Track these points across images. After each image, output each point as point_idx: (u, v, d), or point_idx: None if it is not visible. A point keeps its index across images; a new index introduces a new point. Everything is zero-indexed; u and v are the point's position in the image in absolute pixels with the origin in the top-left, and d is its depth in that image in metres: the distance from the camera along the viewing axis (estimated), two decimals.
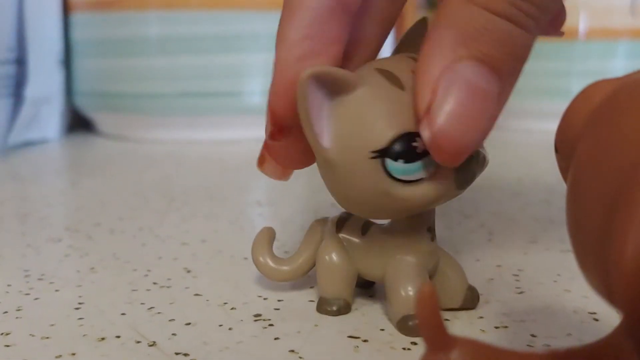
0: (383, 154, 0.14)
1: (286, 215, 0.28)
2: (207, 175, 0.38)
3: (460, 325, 0.16)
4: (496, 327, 0.16)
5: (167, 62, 0.49)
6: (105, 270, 0.21)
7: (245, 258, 0.22)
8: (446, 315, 0.17)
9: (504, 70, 0.14)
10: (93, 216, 0.28)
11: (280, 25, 0.16)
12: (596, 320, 0.16)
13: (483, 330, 0.16)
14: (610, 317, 0.16)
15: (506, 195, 0.31)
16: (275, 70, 0.16)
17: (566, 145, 0.12)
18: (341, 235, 0.17)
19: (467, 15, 0.13)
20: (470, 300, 0.17)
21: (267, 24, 0.50)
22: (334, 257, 0.17)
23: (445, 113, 0.14)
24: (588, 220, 0.10)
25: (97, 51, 0.52)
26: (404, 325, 0.16)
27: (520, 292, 0.18)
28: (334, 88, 0.15)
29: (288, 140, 0.16)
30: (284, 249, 0.23)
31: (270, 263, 0.18)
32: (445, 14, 0.14)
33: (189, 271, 0.20)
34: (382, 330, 0.16)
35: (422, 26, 0.18)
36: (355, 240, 0.17)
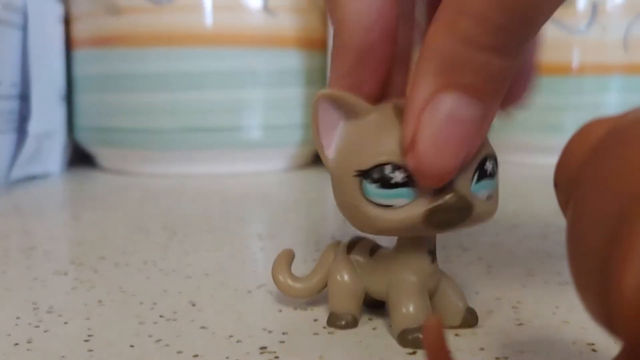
0: (363, 175, 0.16)
1: (287, 248, 0.28)
2: (207, 208, 0.38)
3: (461, 356, 0.17)
4: (497, 358, 0.16)
5: (168, 97, 0.50)
6: (113, 303, 0.21)
7: (249, 291, 0.22)
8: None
9: (485, 96, 0.15)
10: (97, 249, 0.28)
11: (330, 64, 0.18)
12: (594, 350, 0.17)
13: None
14: (608, 348, 0.17)
15: (503, 228, 0.32)
16: (341, 46, 0.18)
17: (565, 181, 0.12)
18: (351, 256, 0.19)
19: (447, 47, 0.14)
20: (469, 320, 0.18)
21: (265, 60, 0.51)
22: (344, 276, 0.19)
23: (428, 142, 0.15)
24: (588, 252, 0.10)
25: (99, 87, 0.53)
26: (404, 338, 0.17)
27: (520, 324, 0.19)
28: (347, 110, 0.17)
29: None
30: None
31: (288, 281, 0.20)
32: (428, 45, 0.15)
33: (194, 304, 0.21)
34: None
35: None
36: (363, 260, 0.19)
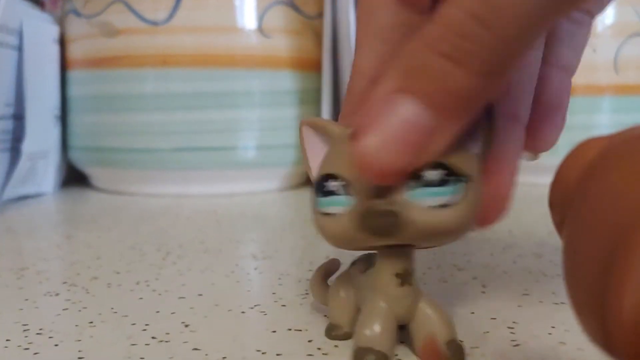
0: (315, 185, 0.18)
1: (282, 268, 0.28)
2: (201, 229, 0.38)
3: None
4: None
5: (162, 117, 0.50)
6: (104, 325, 0.21)
7: (243, 312, 0.22)
8: None
9: (440, 108, 0.15)
10: (90, 270, 0.28)
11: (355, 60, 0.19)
12: None
13: None
14: None
15: (498, 248, 0.32)
16: (349, 92, 0.19)
17: (560, 200, 0.12)
18: (351, 270, 0.20)
19: (411, 52, 0.15)
20: (449, 356, 0.17)
21: (260, 81, 0.51)
22: (341, 289, 0.20)
23: (373, 134, 0.15)
24: (585, 272, 0.10)
25: (93, 107, 0.53)
26: (355, 356, 0.17)
27: (516, 345, 0.19)
28: (325, 135, 0.18)
29: None
30: (282, 302, 0.23)
31: (321, 289, 0.21)
32: (402, 49, 0.15)
33: (187, 325, 0.21)
34: None
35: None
36: (356, 276, 0.19)
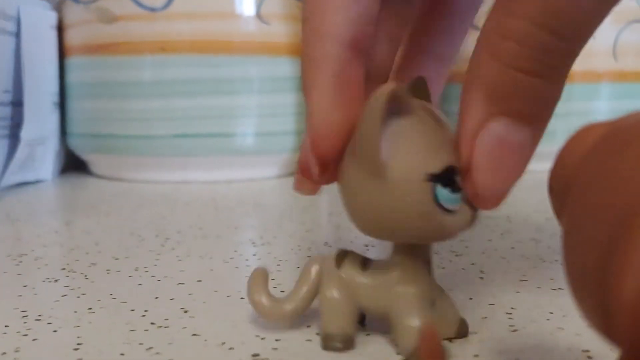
0: (436, 179, 0.15)
1: (280, 254, 0.28)
2: (200, 215, 0.38)
3: None
4: None
5: (160, 104, 0.50)
6: (103, 310, 0.21)
7: (242, 298, 0.22)
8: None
9: (534, 120, 0.15)
10: (88, 256, 0.28)
11: (303, 77, 0.18)
12: (590, 357, 0.17)
13: None
14: (603, 355, 0.17)
15: (496, 234, 0.32)
16: (313, 119, 0.17)
17: (560, 186, 0.12)
18: (342, 271, 0.18)
19: (495, 74, 0.15)
20: (462, 331, 0.18)
21: (259, 68, 0.51)
22: (336, 293, 0.18)
23: (483, 169, 0.15)
24: (586, 257, 0.10)
25: (92, 93, 0.53)
26: (416, 355, 0.16)
27: (514, 330, 0.19)
28: (396, 109, 0.15)
29: (333, 171, 0.18)
30: (280, 288, 0.23)
31: (268, 303, 0.18)
32: (475, 73, 0.15)
33: (186, 311, 0.21)
34: None
35: (420, 85, 0.18)
36: (356, 275, 0.18)
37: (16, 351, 0.17)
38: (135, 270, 0.26)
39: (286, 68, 0.52)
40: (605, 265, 0.09)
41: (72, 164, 0.58)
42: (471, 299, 0.21)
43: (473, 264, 0.26)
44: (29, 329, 0.19)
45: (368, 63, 0.18)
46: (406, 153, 0.15)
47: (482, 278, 0.24)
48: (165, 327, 0.19)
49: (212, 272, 0.25)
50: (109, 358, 0.17)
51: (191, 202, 0.43)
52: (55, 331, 0.19)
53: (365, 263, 0.18)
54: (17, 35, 0.49)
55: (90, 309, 0.21)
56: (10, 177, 0.49)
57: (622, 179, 0.10)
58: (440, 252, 0.28)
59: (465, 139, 0.15)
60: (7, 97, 0.49)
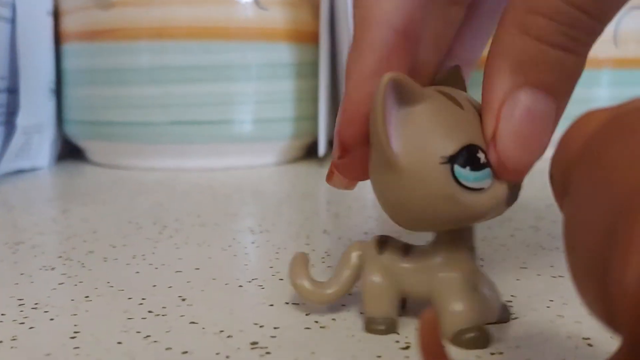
0: (452, 160, 0.15)
1: (279, 242, 0.28)
2: (198, 202, 0.38)
3: (456, 350, 0.16)
4: (492, 354, 0.16)
5: (158, 91, 0.50)
6: (100, 298, 0.21)
7: (240, 286, 0.22)
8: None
9: (559, 92, 0.16)
10: (85, 244, 0.28)
11: (348, 62, 0.18)
12: (590, 345, 0.17)
13: (479, 357, 0.16)
14: (603, 343, 0.17)
15: (495, 221, 0.31)
16: (345, 103, 0.17)
17: (561, 173, 0.12)
18: (384, 256, 0.18)
19: (521, 46, 0.15)
20: (504, 316, 0.18)
21: (257, 54, 0.51)
22: (379, 278, 0.18)
23: (509, 138, 0.15)
24: (587, 245, 0.10)
25: (88, 80, 0.53)
26: (459, 340, 0.16)
27: (515, 318, 0.19)
28: (404, 97, 0.16)
29: (353, 159, 0.18)
30: (279, 276, 0.23)
31: (310, 287, 0.19)
32: (501, 44, 0.15)
33: (184, 299, 0.20)
34: (379, 357, 0.16)
35: (455, 74, 0.18)
36: (399, 261, 0.18)
37: (13, 339, 0.17)
38: (133, 258, 0.25)
39: (284, 54, 0.52)
40: (608, 252, 0.09)
41: (69, 152, 0.58)
42: None
43: None
44: (25, 317, 0.19)
45: (414, 56, 0.18)
46: (417, 140, 0.16)
47: (482, 265, 0.24)
48: (163, 315, 0.19)
49: (210, 260, 0.25)
50: (106, 346, 0.17)
51: (189, 190, 0.42)
52: (52, 319, 0.19)
53: (406, 249, 0.18)
54: (13, 21, 0.49)
55: (87, 297, 0.21)
56: (7, 165, 0.48)
57: (623, 166, 0.10)
58: None
59: (490, 109, 0.16)
60: (3, 84, 0.48)
